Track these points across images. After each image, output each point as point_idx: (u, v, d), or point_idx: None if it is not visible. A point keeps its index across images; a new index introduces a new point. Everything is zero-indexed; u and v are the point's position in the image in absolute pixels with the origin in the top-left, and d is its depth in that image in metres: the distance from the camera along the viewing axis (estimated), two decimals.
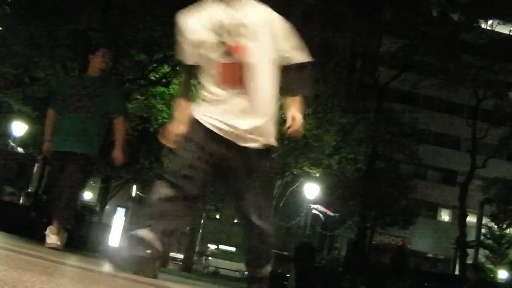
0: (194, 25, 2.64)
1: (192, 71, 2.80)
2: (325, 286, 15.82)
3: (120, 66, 12.73)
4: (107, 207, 23.18)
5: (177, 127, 2.68)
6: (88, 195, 26.98)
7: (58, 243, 4.44)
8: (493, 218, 26.72)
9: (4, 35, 12.73)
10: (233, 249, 34.83)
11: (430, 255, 35.84)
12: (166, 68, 17.56)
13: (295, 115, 2.67)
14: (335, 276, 17.42)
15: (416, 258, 27.77)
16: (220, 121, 2.59)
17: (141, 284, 2.16)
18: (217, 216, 35.26)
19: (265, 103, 2.64)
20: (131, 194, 27.21)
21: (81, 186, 4.74)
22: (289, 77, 2.73)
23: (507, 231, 28.25)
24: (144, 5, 12.10)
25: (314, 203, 21.34)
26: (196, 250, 24.38)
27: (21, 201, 22.26)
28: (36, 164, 24.23)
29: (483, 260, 27.72)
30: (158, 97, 18.22)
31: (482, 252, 27.95)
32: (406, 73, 25.39)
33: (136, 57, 13.30)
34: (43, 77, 13.53)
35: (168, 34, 14.30)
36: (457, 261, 24.04)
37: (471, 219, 26.68)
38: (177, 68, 17.61)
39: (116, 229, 20.94)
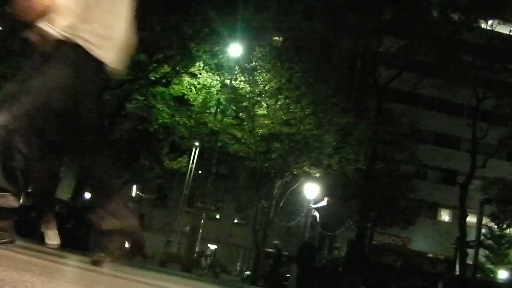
0: None
1: None
2: (325, 286, 15.82)
3: None
4: None
5: None
6: (88, 195, 26.95)
7: (58, 242, 4.44)
8: (493, 218, 26.72)
9: (4, 35, 12.73)
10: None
11: (430, 255, 35.83)
12: (166, 68, 17.59)
13: None
14: (335, 276, 17.40)
15: (416, 258, 27.78)
16: None
17: (141, 284, 2.16)
18: (217, 216, 35.28)
19: None
20: (131, 194, 27.21)
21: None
22: None
23: (507, 231, 28.26)
24: (144, 5, 12.11)
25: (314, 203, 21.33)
26: (196, 250, 24.37)
27: (21, 201, 22.23)
28: None
29: (483, 260, 27.73)
30: (158, 97, 18.25)
31: (482, 252, 27.93)
32: (406, 73, 25.41)
33: (136, 57, 13.31)
34: None
35: (168, 34, 14.35)
36: (457, 261, 24.02)
37: (471, 219, 26.64)
38: (177, 68, 17.68)
39: None
